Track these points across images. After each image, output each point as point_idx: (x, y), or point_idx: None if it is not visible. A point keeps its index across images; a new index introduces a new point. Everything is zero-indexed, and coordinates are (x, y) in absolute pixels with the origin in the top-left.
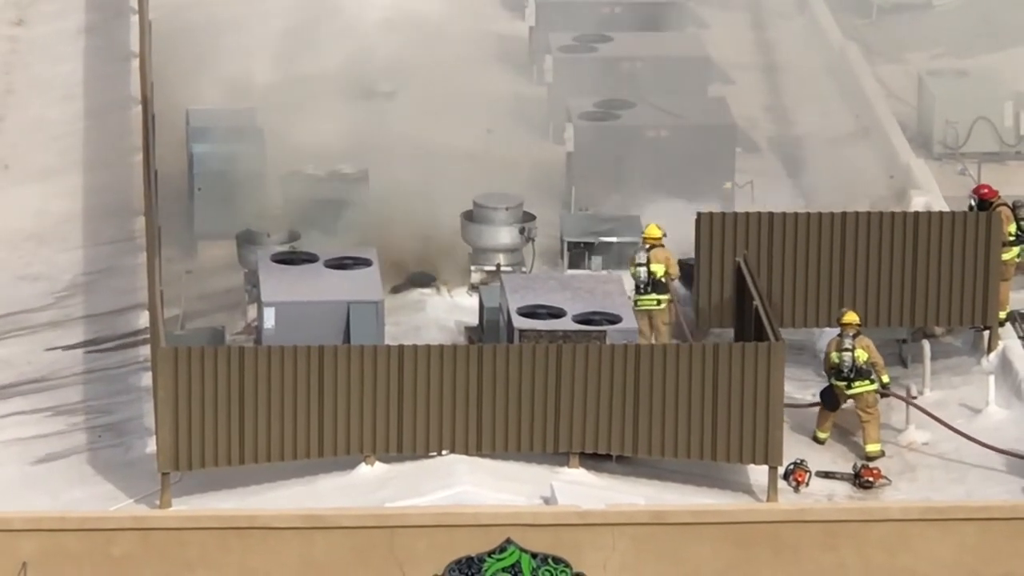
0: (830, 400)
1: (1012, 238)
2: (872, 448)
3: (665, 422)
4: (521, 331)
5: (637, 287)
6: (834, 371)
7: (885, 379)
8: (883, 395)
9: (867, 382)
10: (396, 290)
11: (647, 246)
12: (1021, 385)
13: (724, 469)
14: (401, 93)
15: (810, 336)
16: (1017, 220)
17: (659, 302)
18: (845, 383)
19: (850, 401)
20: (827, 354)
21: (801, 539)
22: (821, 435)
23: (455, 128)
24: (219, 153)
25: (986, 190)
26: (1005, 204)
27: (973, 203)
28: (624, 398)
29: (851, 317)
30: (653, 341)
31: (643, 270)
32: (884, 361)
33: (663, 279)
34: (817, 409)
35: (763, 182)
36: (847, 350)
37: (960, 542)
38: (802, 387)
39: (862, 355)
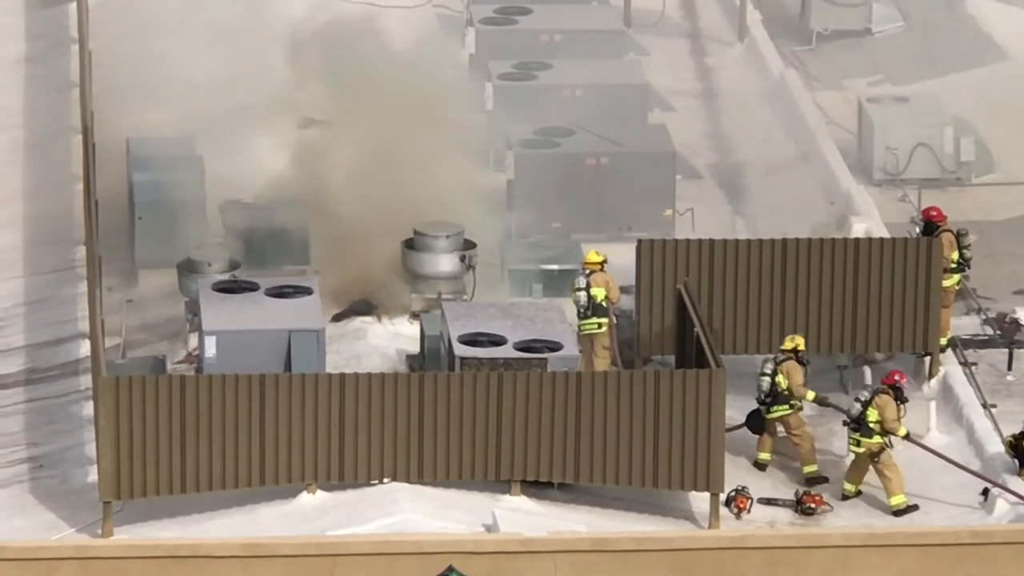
0: (756, 423)
1: (953, 265)
2: (809, 469)
3: (607, 449)
4: (462, 359)
5: (578, 312)
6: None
7: (809, 397)
8: (822, 404)
9: (785, 407)
10: (337, 318)
11: (587, 271)
12: (962, 411)
13: (666, 496)
14: (340, 121)
15: (751, 363)
16: (960, 248)
17: (600, 325)
18: (765, 407)
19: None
20: None
21: (743, 566)
22: (763, 457)
23: (394, 156)
24: (159, 182)
25: (935, 212)
26: (949, 230)
27: (917, 227)
28: (565, 425)
29: (787, 342)
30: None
31: (583, 294)
32: (826, 387)
33: (603, 303)
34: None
35: (703, 209)
36: (765, 374)
37: (902, 568)
38: (743, 414)
39: (782, 381)
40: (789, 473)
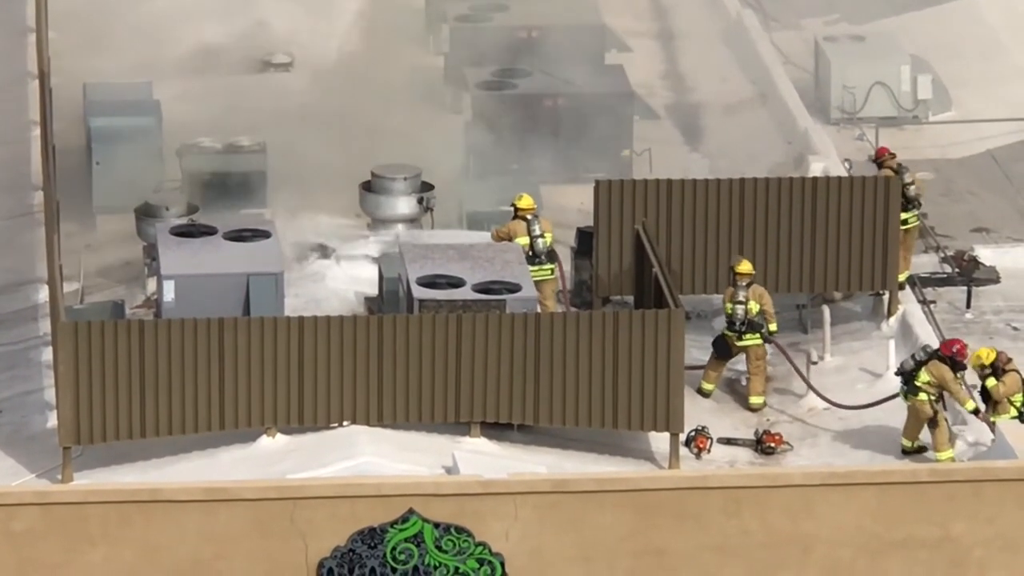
0: (722, 349)
1: None
2: (755, 400)
3: (566, 391)
4: (421, 301)
5: (527, 257)
6: (727, 321)
7: (772, 327)
8: (766, 341)
9: (757, 336)
10: (295, 262)
11: (530, 216)
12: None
13: (625, 437)
14: (298, 65)
15: (709, 302)
16: (902, 186)
17: (552, 271)
18: (736, 335)
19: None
20: (724, 302)
21: (703, 506)
22: (707, 387)
23: (352, 99)
24: (116, 127)
25: (885, 152)
26: (890, 167)
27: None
28: (524, 367)
29: (745, 266)
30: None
31: (540, 241)
32: (784, 326)
33: (553, 247)
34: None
35: (661, 149)
36: (740, 302)
37: (862, 507)
38: (702, 353)
39: (754, 307)
40: (748, 413)
